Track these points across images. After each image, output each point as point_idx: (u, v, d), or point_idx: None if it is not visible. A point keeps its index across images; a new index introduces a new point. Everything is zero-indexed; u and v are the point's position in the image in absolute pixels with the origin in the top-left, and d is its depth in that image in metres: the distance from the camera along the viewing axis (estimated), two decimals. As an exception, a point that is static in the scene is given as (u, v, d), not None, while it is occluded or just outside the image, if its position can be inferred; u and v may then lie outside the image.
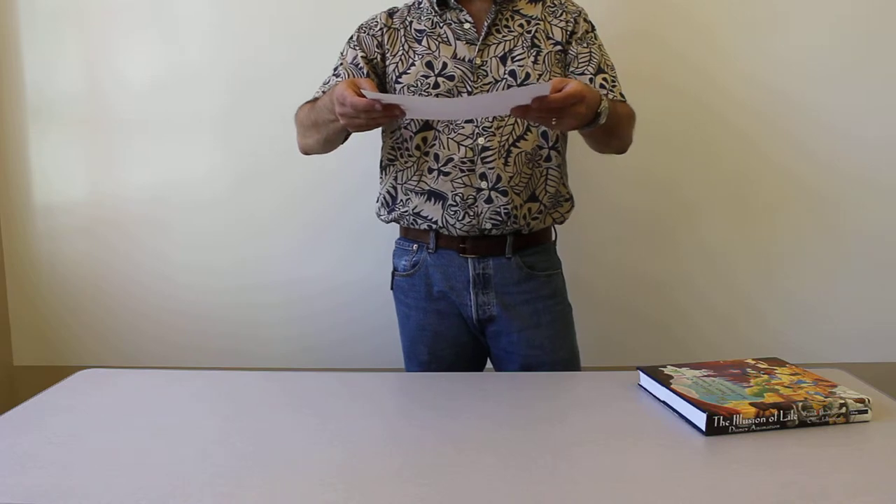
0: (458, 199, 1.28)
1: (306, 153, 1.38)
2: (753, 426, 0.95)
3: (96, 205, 2.01)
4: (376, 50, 1.32)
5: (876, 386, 1.12)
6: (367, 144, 1.93)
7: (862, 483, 0.81)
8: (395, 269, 1.41)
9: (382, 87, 1.32)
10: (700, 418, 0.95)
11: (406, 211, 1.32)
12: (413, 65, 1.29)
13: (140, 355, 2.05)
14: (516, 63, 1.27)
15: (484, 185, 1.28)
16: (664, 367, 1.13)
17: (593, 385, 1.16)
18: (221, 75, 1.94)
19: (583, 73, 1.30)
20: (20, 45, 1.95)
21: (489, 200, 1.28)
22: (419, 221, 1.32)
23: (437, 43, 1.29)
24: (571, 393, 1.13)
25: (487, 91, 1.27)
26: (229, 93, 1.95)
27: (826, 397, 0.99)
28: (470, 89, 1.26)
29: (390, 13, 1.35)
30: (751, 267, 1.98)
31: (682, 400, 1.00)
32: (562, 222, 1.38)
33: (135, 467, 0.86)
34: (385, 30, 1.33)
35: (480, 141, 1.27)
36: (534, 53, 1.28)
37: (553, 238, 1.41)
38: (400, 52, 1.31)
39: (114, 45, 1.94)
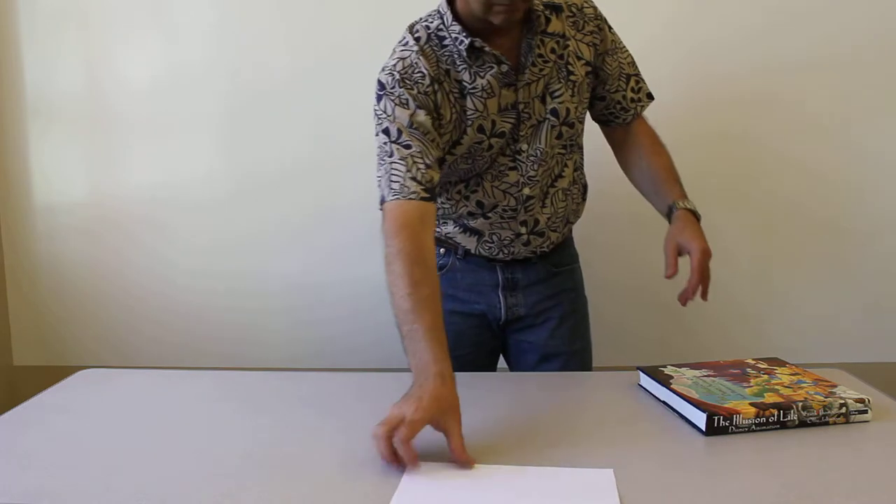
0: (494, 238, 1.28)
1: None
2: (753, 426, 0.94)
3: (96, 205, 2.01)
4: (434, 113, 1.13)
5: (876, 386, 1.12)
6: (368, 145, 1.94)
7: (862, 483, 0.81)
8: None
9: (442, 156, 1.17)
10: (700, 418, 0.95)
11: (438, 232, 1.30)
12: (465, 133, 1.18)
13: (140, 356, 2.05)
14: (556, 100, 1.21)
15: (524, 230, 1.27)
16: (664, 367, 1.13)
17: (594, 385, 1.17)
18: (222, 76, 1.94)
19: (617, 91, 1.28)
20: (20, 44, 1.95)
21: (527, 243, 1.28)
22: (450, 242, 1.32)
23: (482, 100, 1.16)
24: (572, 393, 1.13)
25: (531, 134, 1.20)
26: (230, 93, 1.95)
27: (826, 397, 0.99)
28: (515, 136, 1.21)
29: (421, 51, 1.15)
30: (750, 267, 1.98)
31: (682, 400, 1.00)
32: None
33: (135, 467, 0.86)
34: (434, 87, 1.14)
35: (525, 191, 1.23)
36: (571, 86, 1.21)
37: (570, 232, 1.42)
38: (453, 118, 1.17)
39: (114, 45, 1.94)
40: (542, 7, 1.17)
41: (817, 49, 1.88)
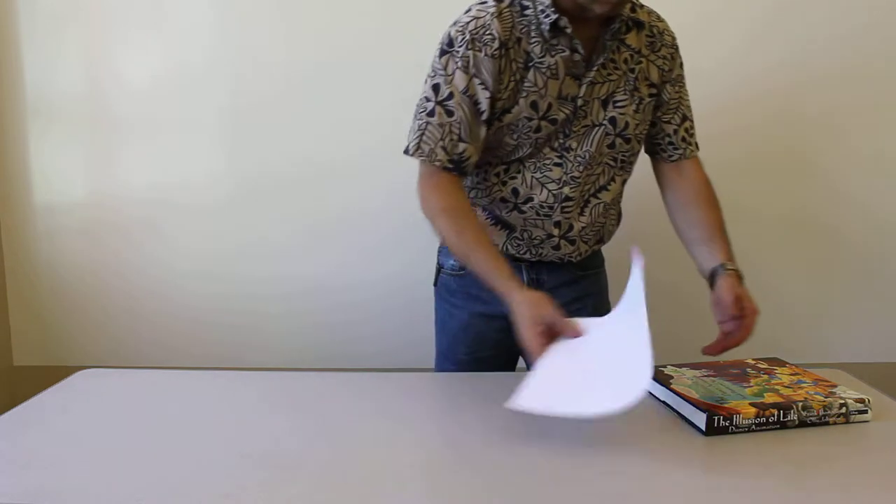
0: (525, 235, 1.26)
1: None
2: (753, 426, 0.95)
3: (96, 205, 2.01)
4: (497, 80, 1.13)
5: (876, 386, 1.12)
6: (369, 146, 1.94)
7: (862, 483, 0.82)
8: (441, 267, 1.37)
9: (490, 122, 1.17)
10: (700, 418, 0.95)
11: None
12: (517, 103, 1.15)
13: (140, 355, 2.05)
14: (617, 109, 1.19)
15: (556, 232, 1.25)
16: (664, 367, 1.13)
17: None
18: (223, 76, 1.94)
19: (669, 122, 1.27)
20: (20, 45, 1.95)
21: (556, 247, 1.26)
22: None
23: (544, 78, 1.14)
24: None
25: (583, 135, 1.19)
26: (231, 94, 1.95)
27: (826, 397, 0.99)
28: (567, 132, 1.18)
29: (498, 14, 1.13)
30: (750, 267, 1.98)
31: (682, 400, 1.00)
32: None
33: (135, 467, 0.86)
34: (502, 51, 1.13)
35: (566, 190, 1.21)
36: (636, 101, 1.21)
37: None
38: (511, 85, 1.15)
39: (114, 46, 1.94)
40: (626, 16, 1.17)
41: (812, 52, 1.88)
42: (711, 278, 1.19)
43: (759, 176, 1.94)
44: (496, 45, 1.12)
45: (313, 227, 2.00)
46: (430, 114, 1.15)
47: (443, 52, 1.15)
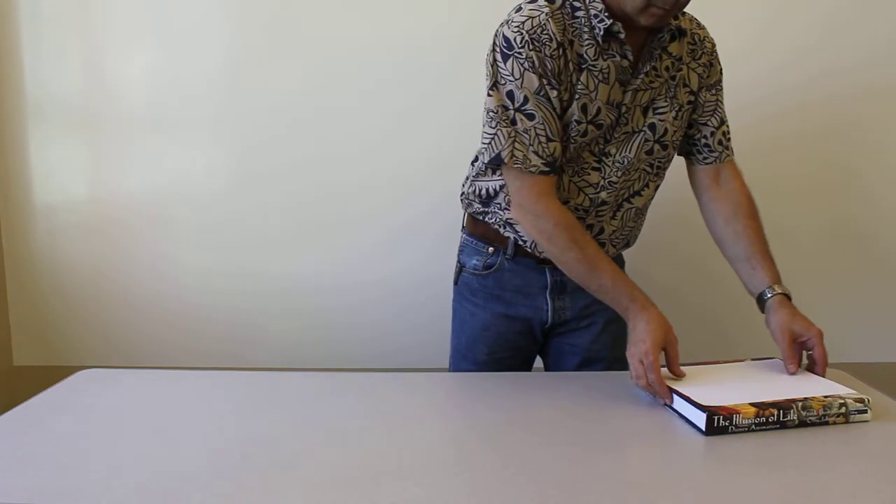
0: None
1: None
2: (753, 426, 0.94)
3: (96, 205, 2.01)
4: (557, 79, 1.13)
5: (876, 386, 1.12)
6: (371, 144, 1.94)
7: (862, 483, 0.82)
8: (462, 266, 1.36)
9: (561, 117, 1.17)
10: (700, 418, 0.95)
11: (500, 216, 1.27)
12: (570, 106, 1.15)
13: (140, 355, 2.05)
14: (657, 116, 1.20)
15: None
16: (663, 366, 1.13)
17: (594, 384, 1.16)
18: (223, 75, 1.94)
19: (706, 125, 1.27)
20: (21, 44, 1.95)
21: None
22: (507, 230, 1.28)
23: (595, 81, 1.14)
24: (573, 393, 1.13)
25: (623, 141, 1.20)
26: (231, 93, 1.95)
27: (826, 397, 0.99)
28: (608, 138, 1.19)
29: (554, 16, 1.12)
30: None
31: (681, 400, 1.00)
32: None
33: (135, 467, 0.86)
34: (560, 51, 1.12)
35: (603, 195, 1.21)
36: (675, 108, 1.21)
37: None
38: (567, 86, 1.14)
39: (114, 45, 1.94)
40: (673, 24, 1.17)
41: (812, 49, 1.88)
42: (760, 302, 1.21)
43: (758, 177, 1.94)
44: (554, 45, 1.11)
45: (315, 227, 2.00)
46: (513, 122, 1.14)
47: (505, 57, 1.13)
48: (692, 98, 1.24)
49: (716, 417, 0.93)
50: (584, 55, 1.14)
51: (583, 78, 1.14)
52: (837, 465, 0.86)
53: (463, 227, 1.38)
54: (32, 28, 1.94)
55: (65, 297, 2.05)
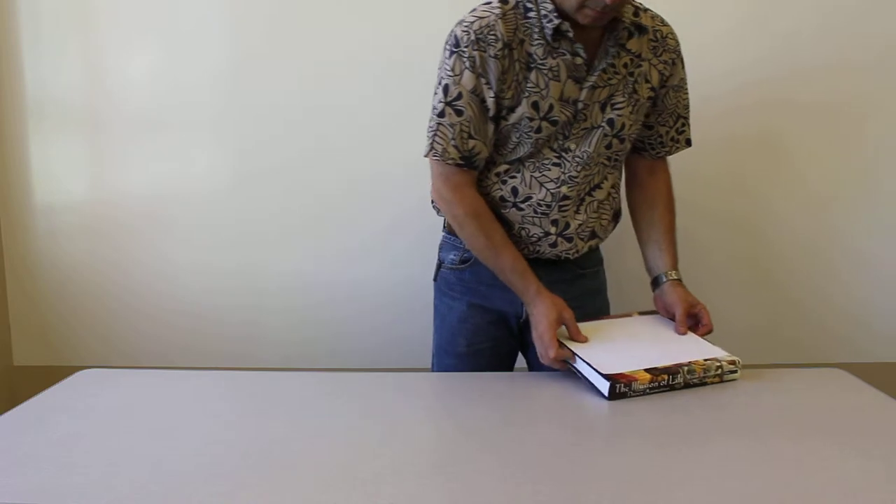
0: (522, 233, 1.28)
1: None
2: (647, 390, 1.06)
3: (96, 205, 2.01)
4: (500, 79, 1.17)
5: (876, 386, 1.11)
6: (370, 142, 1.94)
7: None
8: (441, 262, 1.39)
9: (497, 120, 1.21)
10: (604, 385, 1.05)
11: None
12: (519, 104, 1.19)
13: (140, 355, 2.05)
14: (616, 111, 1.22)
15: (553, 230, 1.27)
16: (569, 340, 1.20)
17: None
18: (223, 75, 1.94)
19: (664, 125, 1.32)
20: (21, 44, 1.95)
21: (554, 245, 1.28)
22: None
23: (546, 79, 1.18)
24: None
25: (582, 137, 1.22)
26: (231, 93, 1.94)
27: (706, 360, 1.11)
28: (567, 134, 1.22)
29: (503, 16, 1.16)
30: (750, 266, 1.98)
31: (588, 367, 1.08)
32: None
33: (135, 467, 0.86)
34: (505, 51, 1.16)
35: (564, 189, 1.24)
36: (633, 103, 1.24)
37: None
38: (513, 84, 1.18)
39: (114, 45, 1.94)
40: (629, 22, 1.19)
41: (816, 48, 1.88)
42: (658, 279, 1.31)
43: (757, 176, 1.94)
44: (500, 45, 1.15)
45: (316, 227, 1.99)
46: (441, 114, 1.20)
47: (451, 53, 1.18)
48: (652, 94, 1.26)
49: (617, 385, 1.04)
50: (534, 54, 1.17)
51: (532, 76, 1.17)
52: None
53: (444, 226, 1.40)
54: (32, 28, 1.94)
55: (65, 297, 2.05)
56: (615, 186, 1.34)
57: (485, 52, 1.15)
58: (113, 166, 1.99)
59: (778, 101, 1.91)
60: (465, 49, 1.16)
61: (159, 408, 1.07)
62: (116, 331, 2.06)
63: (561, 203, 1.25)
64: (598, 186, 1.28)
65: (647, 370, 1.07)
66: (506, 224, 1.27)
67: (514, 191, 1.25)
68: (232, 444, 0.93)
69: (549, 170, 1.23)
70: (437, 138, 1.20)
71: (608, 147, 1.25)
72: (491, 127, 1.20)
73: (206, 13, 1.92)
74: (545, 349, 1.14)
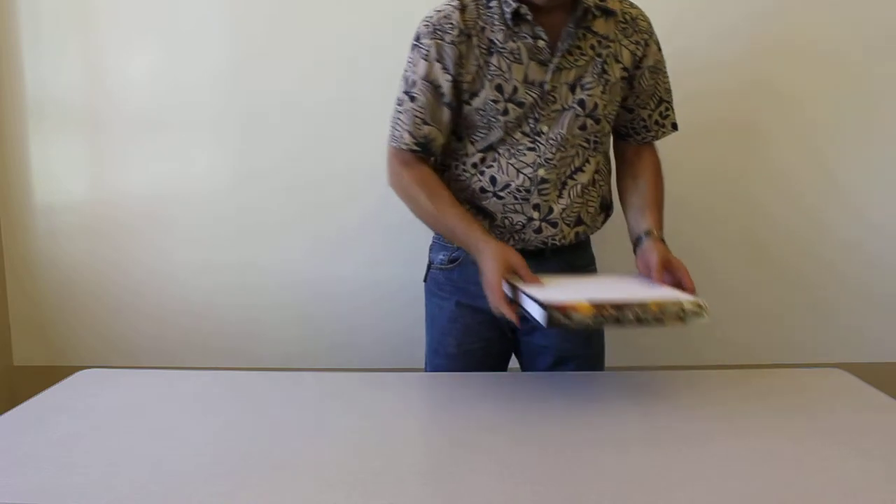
0: (506, 222, 1.27)
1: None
2: (591, 322, 0.98)
3: (96, 205, 2.01)
4: (458, 64, 1.21)
5: (876, 386, 1.11)
6: (370, 141, 1.94)
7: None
8: (430, 263, 1.39)
9: (459, 107, 1.25)
10: (540, 315, 0.98)
11: None
12: (483, 87, 1.22)
13: (140, 354, 2.05)
14: (586, 92, 1.23)
15: (536, 215, 1.26)
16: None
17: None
18: (223, 75, 1.94)
19: (644, 107, 1.31)
20: (21, 44, 1.95)
21: (538, 231, 1.27)
22: None
23: (508, 62, 1.20)
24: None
25: (554, 118, 1.23)
26: (231, 92, 1.94)
27: (665, 300, 1.01)
28: (538, 116, 1.23)
29: (462, 8, 1.22)
30: (750, 266, 1.98)
31: (527, 299, 1.03)
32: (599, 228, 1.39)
33: (135, 467, 0.86)
34: (462, 37, 1.20)
35: (541, 172, 1.24)
36: (603, 82, 1.24)
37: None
38: (474, 69, 1.21)
39: (114, 45, 1.94)
40: (593, 4, 1.20)
41: (824, 47, 1.88)
42: (640, 239, 1.25)
43: (757, 175, 1.94)
44: (456, 32, 1.21)
45: (317, 225, 1.99)
46: (400, 103, 1.26)
47: (412, 47, 1.25)
48: (626, 74, 1.27)
49: (553, 313, 0.95)
50: (495, 40, 1.21)
51: (494, 60, 1.21)
52: (837, 464, 0.86)
53: None
54: (32, 28, 1.94)
55: (65, 297, 2.05)
56: (600, 172, 1.32)
57: (441, 39, 1.21)
58: (113, 166, 1.99)
59: (773, 94, 1.91)
60: (423, 41, 1.23)
61: (159, 408, 1.07)
62: (116, 330, 2.06)
63: (540, 187, 1.25)
64: (579, 169, 1.28)
65: (591, 303, 0.98)
66: (488, 215, 1.27)
67: (493, 180, 1.26)
68: (232, 444, 0.93)
69: (525, 154, 1.24)
70: (395, 126, 1.26)
71: (582, 128, 1.25)
72: (446, 113, 1.23)
73: (206, 13, 1.92)
74: (493, 298, 1.10)
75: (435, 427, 1.02)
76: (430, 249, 1.41)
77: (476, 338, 1.34)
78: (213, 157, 1.98)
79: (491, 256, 1.13)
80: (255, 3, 1.91)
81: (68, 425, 0.99)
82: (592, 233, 1.37)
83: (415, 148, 1.24)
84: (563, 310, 0.96)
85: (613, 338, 1.80)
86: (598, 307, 0.97)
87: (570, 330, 1.05)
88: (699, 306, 1.01)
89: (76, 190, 2.01)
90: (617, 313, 0.98)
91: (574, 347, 1.34)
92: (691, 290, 1.13)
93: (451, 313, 1.35)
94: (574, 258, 1.34)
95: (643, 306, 0.98)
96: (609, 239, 1.44)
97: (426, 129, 1.23)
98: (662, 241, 1.23)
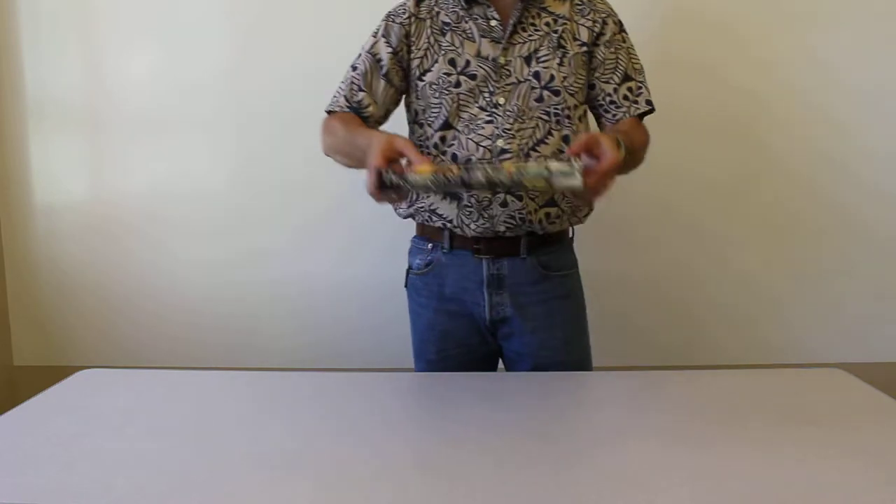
0: (472, 199, 1.26)
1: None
2: (430, 183, 0.98)
3: (96, 205, 2.01)
4: (403, 41, 1.29)
5: (876, 386, 1.11)
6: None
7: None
8: (409, 268, 1.39)
9: (406, 82, 1.32)
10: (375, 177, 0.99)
11: (422, 206, 1.31)
12: (436, 62, 1.27)
13: (141, 354, 2.05)
14: (541, 64, 1.25)
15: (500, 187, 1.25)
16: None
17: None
18: (223, 75, 1.94)
19: (608, 82, 1.30)
20: (21, 45, 1.95)
21: (504, 204, 1.26)
22: (434, 219, 1.30)
23: (461, 39, 1.27)
24: (577, 393, 1.13)
25: (510, 91, 1.24)
26: (231, 92, 1.95)
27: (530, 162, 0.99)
28: (492, 89, 1.25)
29: (418, 1, 1.31)
30: (751, 266, 1.98)
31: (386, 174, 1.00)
32: (580, 223, 1.36)
33: (135, 467, 0.86)
34: (413, 19, 1.29)
35: (500, 143, 1.24)
36: (560, 55, 1.26)
37: (570, 236, 1.39)
38: (425, 46, 1.29)
39: (114, 46, 1.94)
40: None
41: (831, 48, 1.88)
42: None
43: (754, 176, 1.94)
44: (406, 15, 1.30)
45: (317, 225, 2.00)
46: (345, 81, 1.33)
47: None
48: (584, 48, 1.29)
49: (384, 172, 0.96)
50: (449, 22, 1.29)
51: (447, 38, 1.28)
52: (837, 464, 0.86)
53: (416, 229, 1.39)
54: (32, 28, 1.94)
55: (65, 297, 2.05)
56: (568, 144, 1.26)
57: (392, 21, 1.30)
58: (113, 166, 1.99)
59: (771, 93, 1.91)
60: (378, 27, 1.32)
61: (159, 408, 1.07)
62: (116, 330, 2.06)
63: (501, 158, 1.24)
64: (542, 141, 1.25)
65: (435, 166, 0.95)
66: (455, 197, 1.27)
67: (455, 158, 1.26)
68: (232, 444, 0.93)
69: (483, 128, 1.25)
70: (336, 92, 1.33)
71: (539, 100, 1.25)
72: (382, 84, 1.30)
73: (206, 13, 1.92)
74: (368, 182, 1.07)
75: (435, 427, 1.02)
76: (409, 254, 1.40)
77: (455, 343, 1.34)
78: (212, 156, 1.98)
79: (376, 142, 1.09)
80: (254, 3, 1.91)
81: (68, 425, 0.99)
82: (569, 223, 1.33)
83: (346, 109, 1.30)
84: (398, 169, 0.95)
85: (611, 339, 1.80)
86: (441, 168, 0.97)
87: (414, 190, 1.07)
88: (569, 165, 0.94)
89: (76, 190, 2.01)
90: (463, 175, 0.96)
91: (552, 354, 1.31)
92: (610, 159, 1.03)
93: (428, 321, 1.35)
94: (550, 259, 1.31)
95: (496, 168, 0.96)
96: (590, 237, 1.42)
97: (360, 94, 1.30)
98: (619, 142, 1.09)
